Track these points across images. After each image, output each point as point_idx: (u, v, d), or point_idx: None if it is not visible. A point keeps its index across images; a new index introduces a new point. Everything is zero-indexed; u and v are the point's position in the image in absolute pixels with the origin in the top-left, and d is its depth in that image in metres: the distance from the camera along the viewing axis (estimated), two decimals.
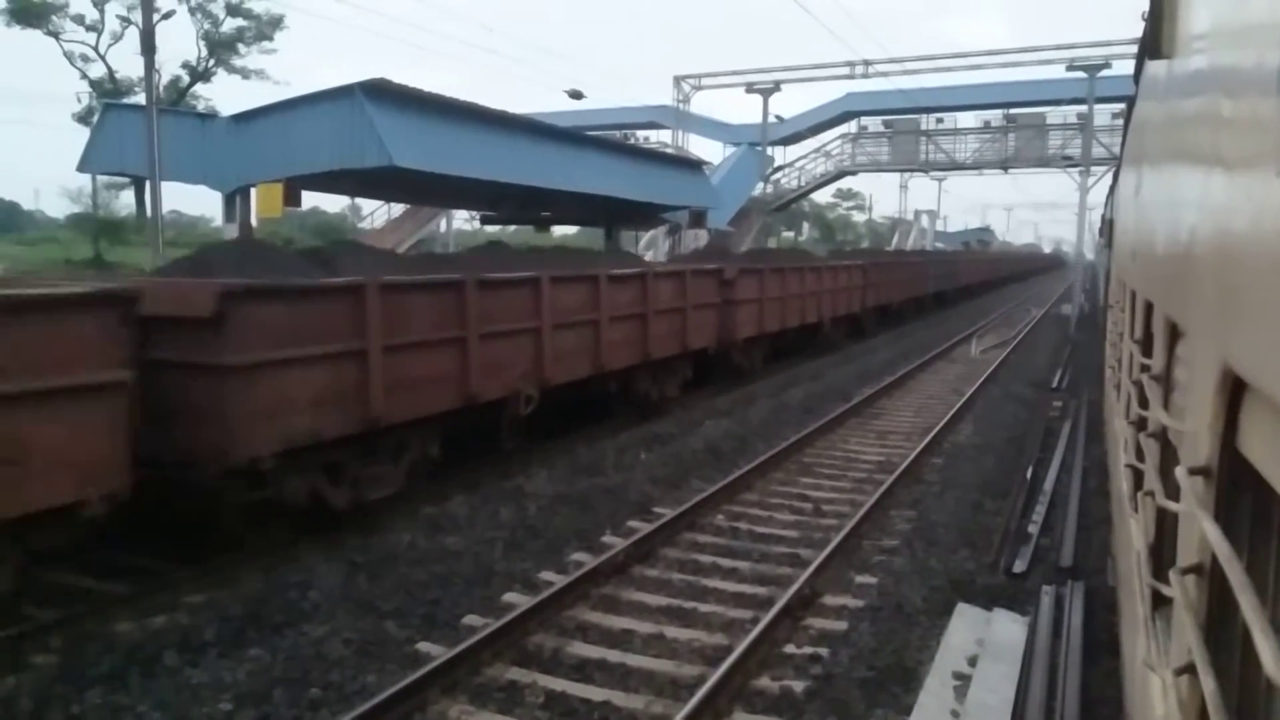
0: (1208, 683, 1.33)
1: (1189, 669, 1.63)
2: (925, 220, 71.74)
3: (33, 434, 5.77)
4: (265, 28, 44.87)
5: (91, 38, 42.67)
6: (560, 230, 51.54)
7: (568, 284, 11.94)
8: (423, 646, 6.34)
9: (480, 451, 10.81)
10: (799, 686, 5.83)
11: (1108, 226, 21.03)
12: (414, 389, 9.14)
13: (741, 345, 17.97)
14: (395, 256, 14.84)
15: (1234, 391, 1.57)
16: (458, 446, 10.21)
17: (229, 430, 7.17)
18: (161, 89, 35.10)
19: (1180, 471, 1.81)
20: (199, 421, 7.12)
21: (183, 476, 7.11)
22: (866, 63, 37.99)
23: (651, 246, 37.21)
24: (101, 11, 42.18)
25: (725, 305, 16.88)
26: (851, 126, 46.90)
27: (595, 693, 5.75)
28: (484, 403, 10.25)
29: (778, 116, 42.36)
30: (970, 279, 49.72)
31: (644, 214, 30.10)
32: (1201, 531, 1.59)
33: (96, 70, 43.62)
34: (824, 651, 6.35)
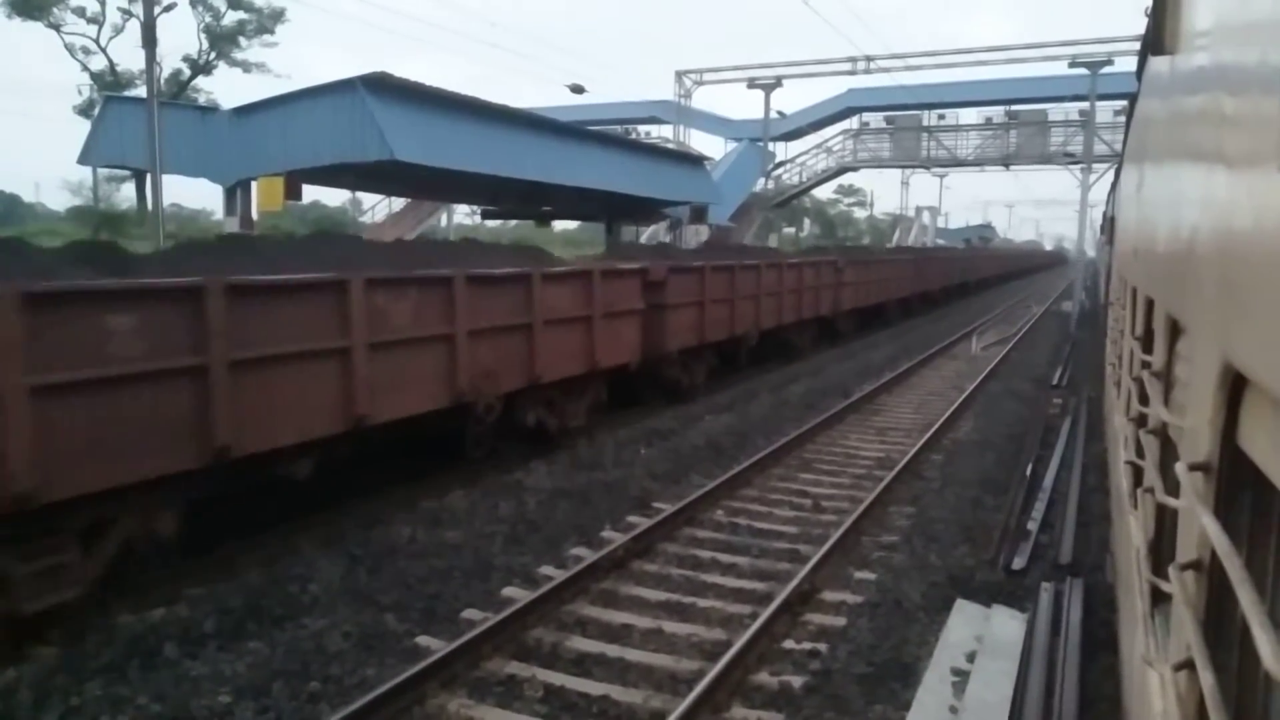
0: (1206, 678, 1.33)
1: (1188, 664, 1.63)
2: (926, 217, 71.80)
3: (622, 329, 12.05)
4: (266, 21, 44.81)
5: (93, 30, 42.62)
6: (561, 225, 51.57)
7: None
8: (422, 640, 6.35)
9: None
10: (797, 682, 5.84)
11: (1109, 224, 21.02)
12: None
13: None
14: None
15: (1234, 387, 1.57)
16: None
17: None
18: (162, 82, 35.08)
19: (1180, 467, 1.81)
20: None
21: None
22: (869, 58, 37.99)
23: (653, 241, 37.19)
24: (103, 4, 42.14)
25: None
26: (853, 122, 46.92)
27: (594, 687, 5.76)
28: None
29: (779, 112, 42.36)
30: (969, 277, 48.62)
31: (645, 209, 30.11)
32: (1201, 527, 1.59)
33: (97, 63, 43.59)
34: (823, 647, 6.36)
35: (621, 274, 12.98)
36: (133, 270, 7.29)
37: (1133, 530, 3.29)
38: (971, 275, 48.91)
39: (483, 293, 9.93)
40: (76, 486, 6.05)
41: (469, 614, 6.80)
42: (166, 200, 22.20)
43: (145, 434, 6.48)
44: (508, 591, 7.26)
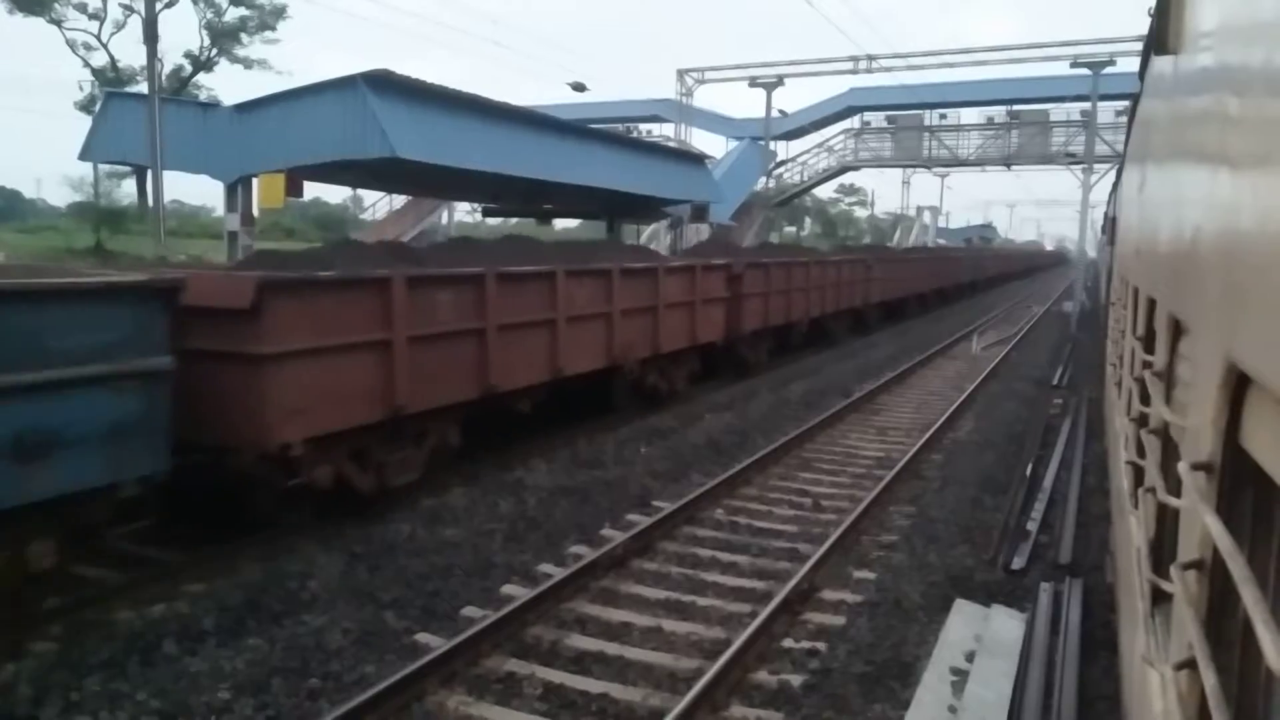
0: (1208, 677, 1.33)
1: (1189, 664, 1.63)
2: (927, 216, 71.75)
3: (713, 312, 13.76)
4: (268, 17, 44.81)
5: (94, 26, 42.62)
6: (562, 223, 51.58)
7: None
8: (421, 637, 6.35)
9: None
10: (796, 681, 5.84)
11: (1110, 224, 21.01)
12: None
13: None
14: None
15: (1237, 387, 1.57)
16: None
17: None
18: (164, 78, 35.07)
19: (1183, 467, 1.81)
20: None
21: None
22: (870, 57, 37.96)
23: (653, 240, 37.19)
24: (104, 0, 42.13)
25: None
26: (855, 122, 46.90)
27: (593, 685, 5.76)
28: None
29: (781, 111, 42.32)
30: (976, 275, 50.30)
31: (646, 207, 30.10)
32: (1203, 526, 1.59)
33: (99, 59, 43.59)
34: (822, 646, 6.36)
35: (713, 268, 16.40)
36: (424, 261, 10.73)
37: (1133, 530, 3.29)
38: (978, 274, 51.20)
39: (628, 281, 13.18)
40: (420, 405, 9.08)
41: (468, 611, 6.80)
42: (167, 196, 22.22)
43: (451, 373, 9.58)
44: (507, 589, 7.26)
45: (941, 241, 70.47)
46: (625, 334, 13.06)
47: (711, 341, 16.27)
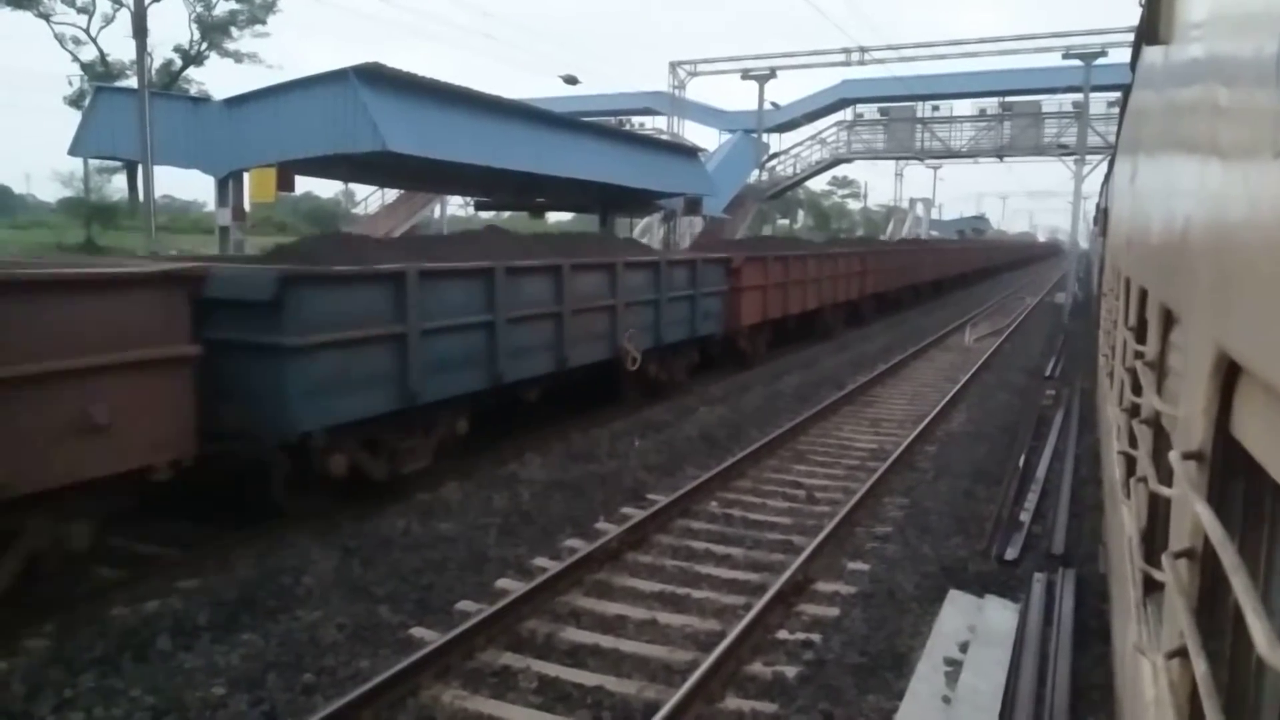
0: (1199, 665, 1.34)
1: (1180, 652, 1.64)
2: (920, 208, 71.78)
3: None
4: (258, 11, 44.58)
5: (83, 20, 42.36)
6: (555, 217, 51.51)
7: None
8: (416, 632, 6.35)
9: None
10: (791, 672, 5.86)
11: (1102, 215, 21.06)
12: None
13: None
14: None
15: (1228, 376, 1.57)
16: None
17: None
18: (154, 72, 34.90)
19: (1174, 456, 1.82)
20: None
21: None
22: (863, 49, 37.94)
23: (646, 233, 37.14)
24: None
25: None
26: (847, 114, 46.88)
27: (588, 678, 5.76)
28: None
29: (773, 103, 42.32)
30: (969, 267, 51.08)
31: (639, 200, 30.03)
32: (1195, 516, 1.60)
33: (88, 53, 43.34)
34: (816, 637, 6.38)
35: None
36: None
37: (1125, 520, 3.30)
38: (972, 266, 52.44)
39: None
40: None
41: (463, 605, 6.80)
42: (158, 191, 22.05)
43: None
44: (502, 583, 7.27)
45: (934, 233, 70.54)
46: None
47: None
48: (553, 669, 5.87)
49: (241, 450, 7.73)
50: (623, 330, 13.21)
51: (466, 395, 10.08)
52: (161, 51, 42.94)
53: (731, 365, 18.11)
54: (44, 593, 6.45)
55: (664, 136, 37.99)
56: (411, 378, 9.04)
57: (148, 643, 5.99)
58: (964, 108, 46.08)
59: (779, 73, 37.84)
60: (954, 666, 5.87)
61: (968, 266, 50.72)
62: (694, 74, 43.07)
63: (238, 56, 45.92)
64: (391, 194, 40.05)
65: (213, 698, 5.37)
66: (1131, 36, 7.89)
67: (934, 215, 77.56)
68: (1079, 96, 32.28)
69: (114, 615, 6.37)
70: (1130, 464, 3.57)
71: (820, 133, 46.88)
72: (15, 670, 5.55)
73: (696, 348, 16.26)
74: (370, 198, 45.60)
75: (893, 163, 58.01)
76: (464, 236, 14.16)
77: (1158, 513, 2.82)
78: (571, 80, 34.97)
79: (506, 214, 40.11)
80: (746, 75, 37.29)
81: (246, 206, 20.82)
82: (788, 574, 7.18)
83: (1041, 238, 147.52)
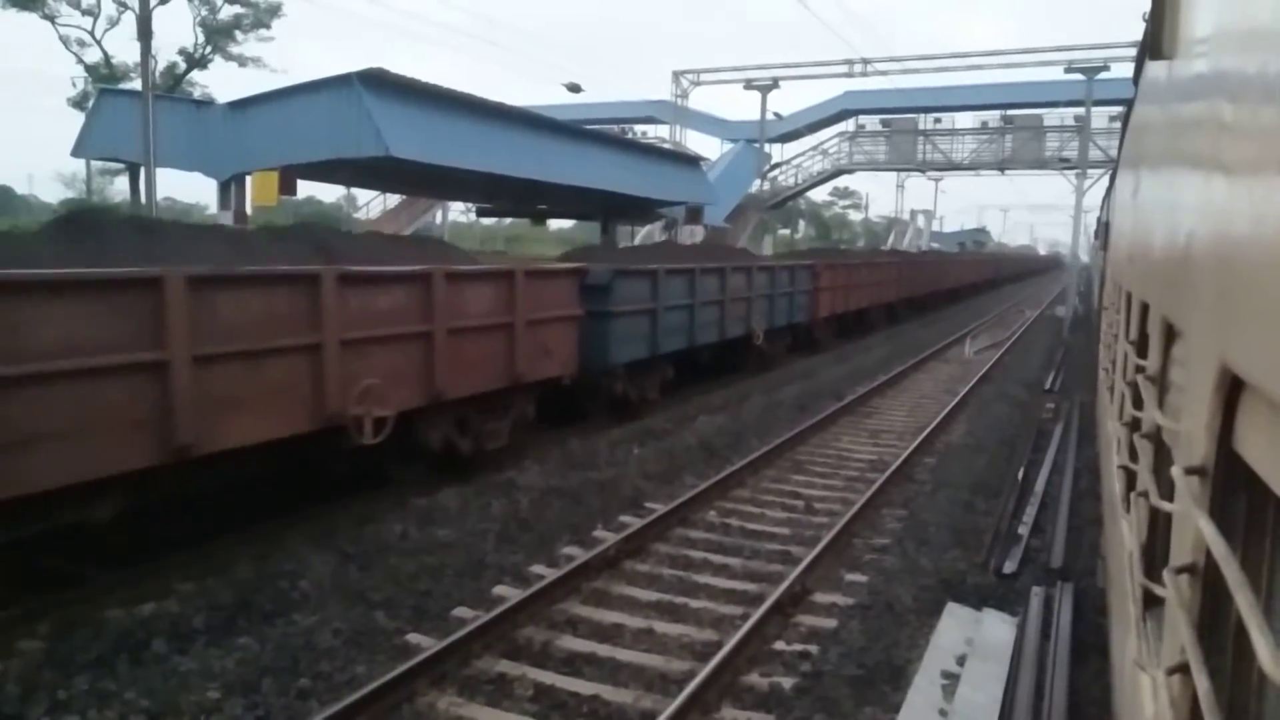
0: (1201, 681, 1.33)
1: (1181, 668, 1.63)
2: (921, 220, 71.91)
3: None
4: (263, 15, 44.60)
5: (88, 22, 42.34)
6: (556, 224, 51.57)
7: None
8: (412, 638, 6.33)
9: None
10: (788, 683, 5.84)
11: (1103, 229, 21.08)
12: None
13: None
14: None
15: (1231, 391, 1.57)
16: None
17: None
18: (158, 75, 34.96)
19: (1176, 471, 1.81)
20: None
21: None
22: (865, 61, 38.06)
23: (647, 242, 37.19)
24: None
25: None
26: (849, 125, 46.97)
27: (584, 686, 5.75)
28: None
29: (776, 114, 42.40)
30: (978, 277, 53.95)
31: (641, 209, 30.12)
32: (1196, 531, 1.59)
33: (92, 55, 43.32)
34: (814, 649, 6.36)
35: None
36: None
37: (1125, 534, 3.30)
38: (982, 276, 57.50)
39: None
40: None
41: (460, 612, 6.78)
42: (160, 194, 22.06)
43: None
44: (499, 590, 7.25)
45: (935, 246, 70.61)
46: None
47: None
48: (549, 677, 5.86)
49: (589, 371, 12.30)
50: (755, 315, 17.84)
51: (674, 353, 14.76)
52: (166, 54, 42.93)
53: (806, 349, 21.85)
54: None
55: (666, 145, 38.08)
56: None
57: (143, 645, 5.97)
58: (966, 120, 46.28)
59: (781, 83, 37.95)
60: (951, 679, 5.86)
61: (979, 276, 56.57)
62: (697, 83, 43.19)
63: (242, 60, 45.91)
64: (393, 199, 40.11)
65: (208, 702, 5.35)
66: (1134, 52, 7.91)
67: (935, 227, 77.70)
68: (1081, 110, 32.37)
69: (109, 617, 6.35)
70: (1130, 478, 3.56)
71: (822, 143, 47.00)
72: (9, 672, 5.53)
73: (789, 332, 20.54)
74: (372, 202, 45.63)
75: (894, 174, 58.15)
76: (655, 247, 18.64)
77: (1158, 527, 2.81)
78: (575, 88, 35.10)
79: (508, 220, 40.15)
80: (749, 85, 37.37)
81: (248, 210, 20.85)
82: (785, 584, 7.16)
83: (1042, 251, 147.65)
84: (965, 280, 49.46)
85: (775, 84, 37.35)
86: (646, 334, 13.65)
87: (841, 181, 68.08)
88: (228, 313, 6.92)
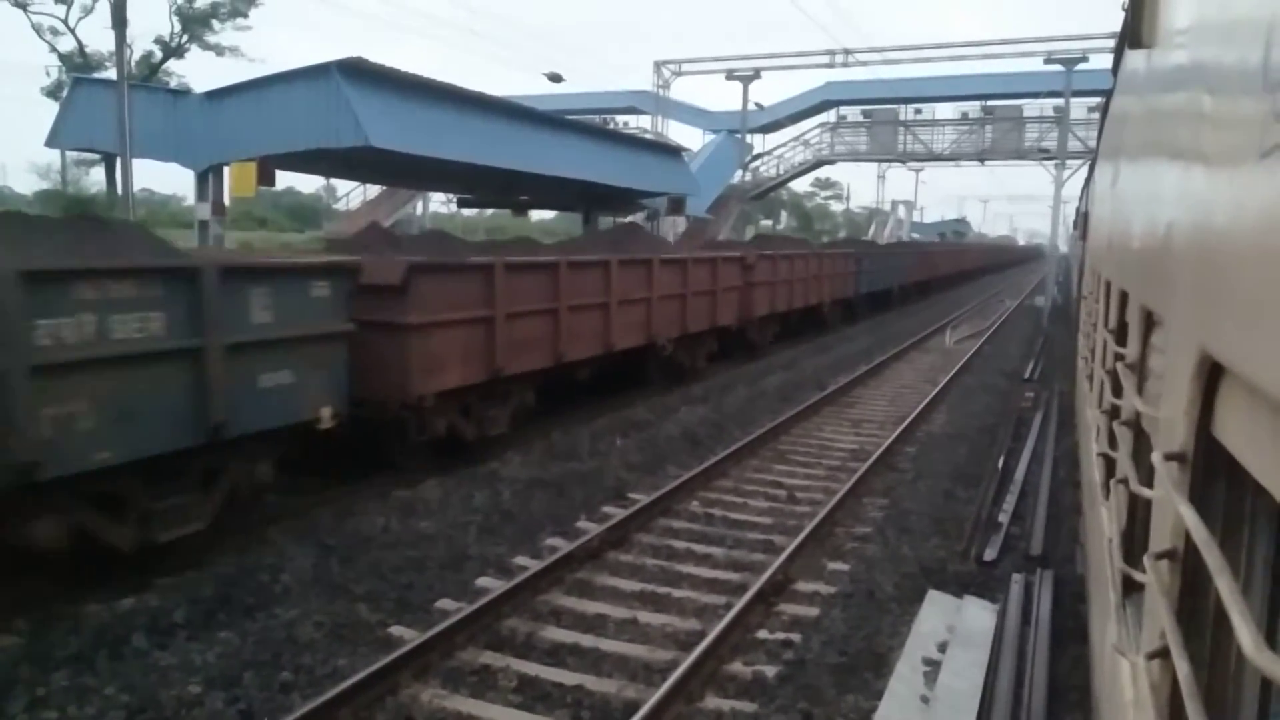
0: (1181, 666, 1.34)
1: (1161, 653, 1.64)
2: (902, 210, 72.19)
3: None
4: (240, 4, 44.11)
5: (61, 10, 41.74)
6: (537, 215, 51.37)
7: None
8: (395, 630, 6.31)
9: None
10: (771, 671, 5.86)
11: (1082, 219, 21.24)
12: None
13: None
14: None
15: (1210, 377, 1.58)
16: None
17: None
18: (133, 64, 34.51)
19: (1156, 457, 1.82)
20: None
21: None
22: (847, 52, 38.14)
23: None
24: None
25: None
26: (830, 116, 47.09)
27: (568, 677, 5.75)
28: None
29: (758, 104, 42.42)
30: (959, 267, 54.28)
31: (622, 199, 30.05)
32: (1176, 516, 1.61)
33: (66, 44, 42.73)
34: (796, 637, 6.39)
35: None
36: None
37: (1105, 521, 3.33)
38: (960, 266, 56.17)
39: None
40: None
41: (443, 604, 6.77)
42: (137, 185, 21.87)
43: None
44: (482, 582, 7.24)
45: (916, 236, 70.95)
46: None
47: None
48: (533, 668, 5.86)
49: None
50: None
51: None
52: (142, 43, 42.47)
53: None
54: None
55: (648, 136, 38.01)
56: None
57: (123, 640, 5.92)
58: (946, 111, 46.50)
59: (763, 74, 37.92)
60: (932, 666, 5.90)
61: (966, 265, 57.61)
62: (678, 74, 43.15)
63: (219, 50, 45.39)
64: (374, 190, 39.83)
65: (189, 696, 5.31)
66: (1112, 43, 7.95)
67: (915, 218, 78.00)
68: (1060, 101, 32.57)
69: (89, 612, 6.29)
70: (1110, 465, 3.59)
71: (804, 134, 47.14)
72: None
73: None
74: (352, 193, 45.31)
75: (875, 165, 58.39)
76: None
77: (1138, 514, 2.83)
78: (556, 78, 34.94)
79: (489, 211, 39.98)
80: (731, 75, 37.32)
81: (226, 201, 20.66)
82: (768, 574, 7.19)
83: (1021, 241, 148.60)
84: (940, 273, 45.94)
85: (757, 74, 37.33)
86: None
87: (823, 172, 68.21)
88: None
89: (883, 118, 46.21)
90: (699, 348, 16.90)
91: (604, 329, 13.19)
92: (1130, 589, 2.62)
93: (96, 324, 6.02)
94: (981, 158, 44.31)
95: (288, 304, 7.62)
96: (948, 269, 49.08)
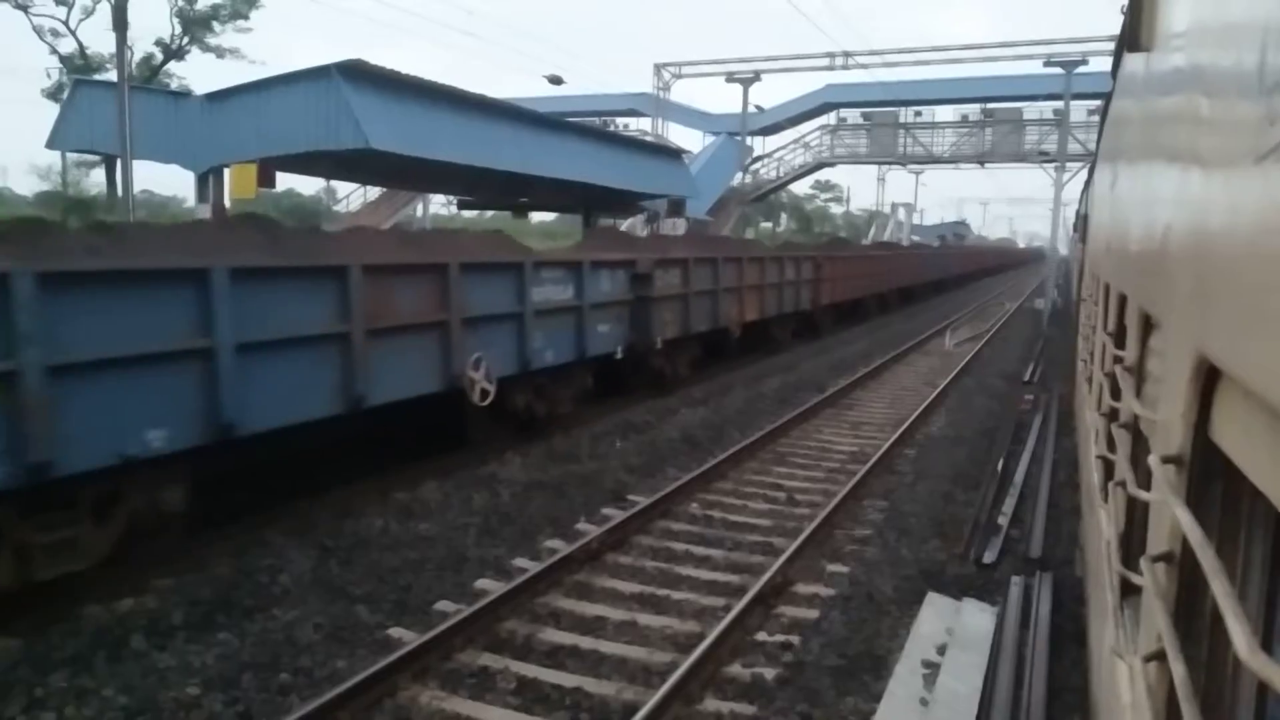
0: (1177, 668, 1.34)
1: (1158, 655, 1.64)
2: (902, 213, 72.11)
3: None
4: (241, 5, 44.12)
5: (62, 12, 41.72)
6: (538, 217, 51.37)
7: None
8: (394, 632, 6.31)
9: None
10: (770, 674, 5.86)
11: (1082, 221, 21.24)
12: None
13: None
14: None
15: (1207, 381, 1.58)
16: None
17: None
18: (134, 66, 34.48)
19: (1153, 460, 1.83)
20: None
21: None
22: (847, 54, 38.18)
23: (631, 234, 37.14)
24: None
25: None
26: (830, 118, 47.10)
27: (567, 679, 5.75)
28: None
29: (757, 107, 42.44)
30: (967, 268, 56.84)
31: (622, 201, 30.07)
32: (1173, 519, 1.61)
33: (67, 45, 42.72)
34: (795, 639, 6.39)
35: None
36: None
37: (1103, 524, 3.32)
38: (968, 268, 59.82)
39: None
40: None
41: (442, 606, 6.76)
42: (137, 186, 21.83)
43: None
44: (481, 583, 7.23)
45: (915, 238, 70.90)
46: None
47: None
48: (531, 670, 5.85)
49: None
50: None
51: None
52: (142, 45, 42.52)
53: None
54: None
55: (648, 138, 38.02)
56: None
57: (121, 642, 5.92)
58: (946, 114, 46.51)
59: (763, 76, 38.01)
60: (932, 669, 5.90)
61: (966, 267, 59.33)
62: (679, 76, 43.19)
63: (220, 52, 45.38)
64: (374, 191, 39.85)
65: (187, 698, 5.31)
66: (1112, 46, 7.96)
67: (915, 220, 77.93)
68: (1060, 104, 32.58)
69: (87, 613, 6.29)
70: (1109, 468, 3.59)
71: (803, 136, 47.14)
72: None
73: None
74: (352, 195, 45.32)
75: (875, 167, 58.42)
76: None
77: (1136, 517, 2.83)
78: (556, 80, 34.95)
79: (490, 213, 39.99)
80: (731, 78, 37.36)
81: (227, 203, 20.65)
82: (767, 576, 7.19)
83: (1021, 244, 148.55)
84: (930, 278, 43.80)
85: (757, 77, 37.38)
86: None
87: (823, 175, 68.09)
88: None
89: (883, 120, 46.22)
90: (783, 326, 22.00)
91: (713, 310, 16.93)
92: (1128, 591, 2.62)
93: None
94: (981, 160, 44.31)
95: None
96: (976, 266, 50.81)
